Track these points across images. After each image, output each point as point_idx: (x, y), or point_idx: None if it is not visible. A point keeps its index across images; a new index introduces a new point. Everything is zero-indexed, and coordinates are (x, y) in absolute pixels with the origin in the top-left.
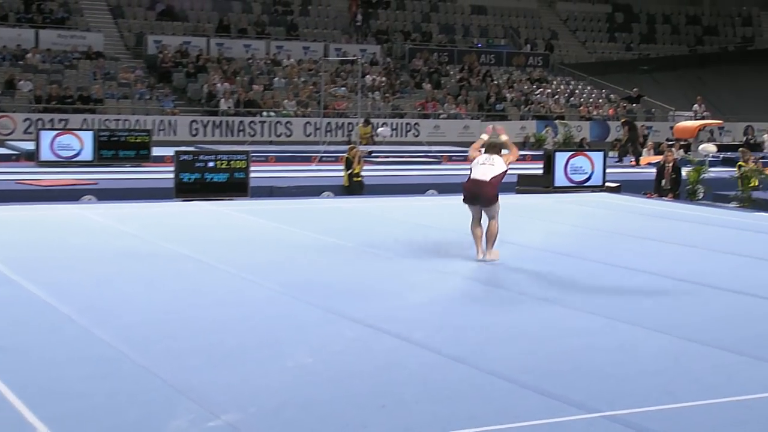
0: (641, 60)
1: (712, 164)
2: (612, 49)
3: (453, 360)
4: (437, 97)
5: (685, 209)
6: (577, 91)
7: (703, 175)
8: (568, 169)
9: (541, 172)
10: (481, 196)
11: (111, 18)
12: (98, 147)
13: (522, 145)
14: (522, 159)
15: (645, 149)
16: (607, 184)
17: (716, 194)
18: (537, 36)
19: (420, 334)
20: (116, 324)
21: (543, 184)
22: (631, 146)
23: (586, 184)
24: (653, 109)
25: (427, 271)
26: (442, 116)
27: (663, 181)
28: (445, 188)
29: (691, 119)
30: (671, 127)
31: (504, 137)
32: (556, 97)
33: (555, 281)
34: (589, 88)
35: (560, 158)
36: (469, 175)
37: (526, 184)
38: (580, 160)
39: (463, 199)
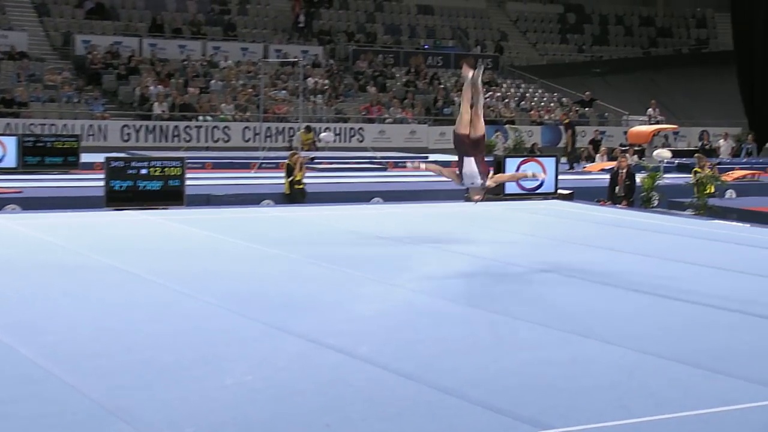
0: (594, 62)
1: (667, 170)
2: (564, 51)
3: (400, 375)
4: (382, 100)
5: (639, 217)
6: (527, 94)
7: (658, 181)
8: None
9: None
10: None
11: (36, 16)
12: (22, 153)
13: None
14: None
15: (598, 155)
16: (559, 191)
17: (671, 201)
18: (486, 37)
19: (366, 348)
20: (42, 341)
21: (494, 191)
22: (569, 150)
23: (537, 192)
24: (606, 114)
25: (374, 282)
26: (387, 121)
27: (617, 188)
28: (391, 196)
29: (645, 124)
30: (625, 132)
31: (423, 166)
32: (506, 100)
33: (506, 293)
34: (540, 91)
35: (511, 165)
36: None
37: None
38: (531, 167)
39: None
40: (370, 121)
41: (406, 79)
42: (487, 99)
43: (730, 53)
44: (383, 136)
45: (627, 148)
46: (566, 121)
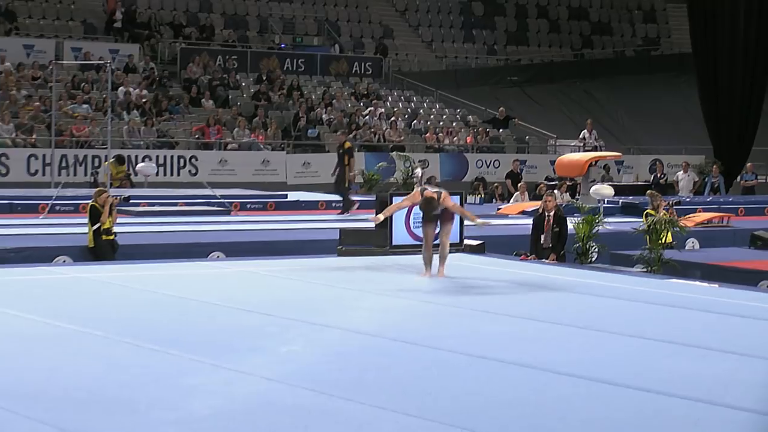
0: (509, 68)
1: (609, 213)
2: (469, 53)
3: None
4: (223, 118)
5: (572, 275)
6: (422, 111)
7: (597, 228)
8: (412, 221)
9: (373, 224)
10: (437, 206)
11: None
12: None
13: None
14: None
15: (517, 192)
16: (466, 241)
17: (615, 254)
18: (365, 33)
19: None
20: None
21: (376, 242)
22: (339, 182)
23: (436, 242)
24: (527, 137)
25: (212, 368)
26: (230, 147)
27: (542, 237)
28: (236, 249)
29: (578, 150)
30: (552, 162)
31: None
32: (393, 119)
33: (387, 380)
34: (438, 106)
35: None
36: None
37: (353, 243)
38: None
39: (423, 218)
40: (207, 146)
41: (256, 90)
42: (366, 117)
43: (688, 56)
44: (225, 168)
45: (555, 183)
46: (347, 144)
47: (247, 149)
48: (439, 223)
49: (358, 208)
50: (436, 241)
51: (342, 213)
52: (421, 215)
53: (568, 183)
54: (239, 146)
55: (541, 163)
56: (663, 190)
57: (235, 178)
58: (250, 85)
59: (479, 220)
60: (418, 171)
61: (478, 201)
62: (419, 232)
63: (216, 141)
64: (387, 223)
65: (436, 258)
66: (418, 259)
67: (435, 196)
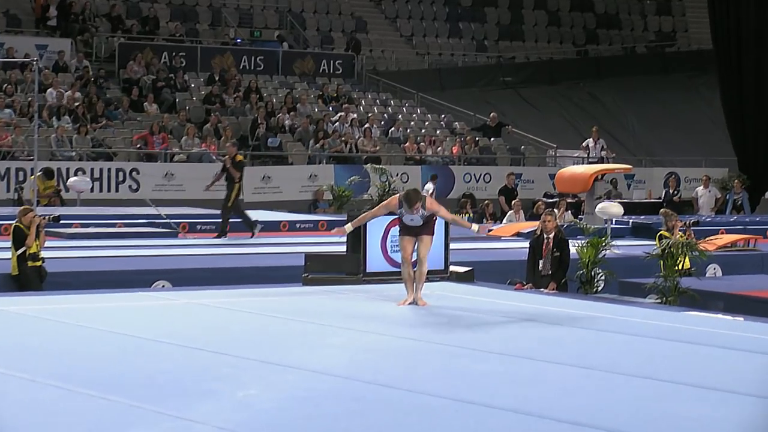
0: (502, 67)
1: (617, 234)
2: (456, 49)
3: None
4: (169, 125)
5: (574, 307)
6: (400, 116)
7: (604, 252)
8: (389, 244)
9: (344, 249)
10: (417, 204)
11: None
12: None
13: (313, 206)
14: (312, 229)
15: (511, 211)
16: (452, 268)
17: (624, 283)
18: (334, 26)
19: None
20: None
21: (348, 268)
22: (228, 200)
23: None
24: (523, 146)
25: (156, 418)
26: (178, 158)
27: (540, 263)
28: (183, 278)
29: (582, 162)
30: (552, 176)
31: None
32: (367, 126)
33: (360, 430)
34: (420, 111)
35: (375, 227)
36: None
37: (321, 270)
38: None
39: (399, 231)
40: (150, 158)
41: (207, 92)
42: (335, 124)
43: (708, 53)
44: (171, 183)
45: (555, 200)
46: (239, 158)
47: (197, 161)
48: (419, 231)
49: (261, 231)
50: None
51: (218, 236)
52: (398, 227)
53: (570, 200)
54: (188, 158)
55: (539, 177)
56: (678, 209)
57: (184, 195)
58: (200, 87)
59: (476, 226)
60: (429, 186)
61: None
62: (398, 257)
63: (161, 152)
64: (361, 248)
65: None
66: (396, 288)
67: (416, 193)
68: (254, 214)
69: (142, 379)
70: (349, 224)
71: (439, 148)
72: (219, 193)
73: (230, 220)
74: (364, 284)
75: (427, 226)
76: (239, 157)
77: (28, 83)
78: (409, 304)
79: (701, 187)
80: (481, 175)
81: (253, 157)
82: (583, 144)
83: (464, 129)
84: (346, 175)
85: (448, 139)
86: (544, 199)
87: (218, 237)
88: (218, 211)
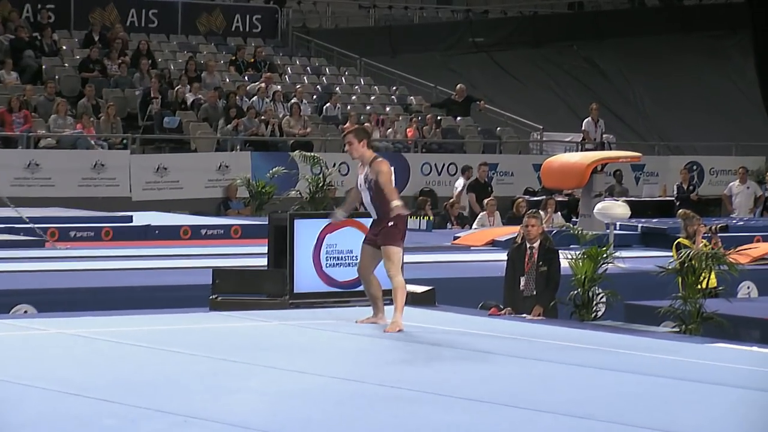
0: (471, 24)
1: (623, 243)
2: (411, 2)
3: None
4: (34, 100)
5: (566, 339)
6: (338, 89)
7: (605, 266)
8: (323, 256)
9: (265, 263)
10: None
11: None
12: None
13: (224, 205)
14: (223, 236)
15: (483, 212)
16: (408, 287)
17: (631, 306)
18: None
19: None
20: None
21: (270, 288)
22: None
23: (361, 287)
24: (498, 128)
25: None
26: (44, 143)
27: (522, 281)
28: (52, 301)
29: (576, 149)
30: (537, 166)
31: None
32: (295, 101)
33: None
34: (363, 82)
35: (305, 233)
36: None
37: (234, 290)
38: (347, 236)
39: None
40: (8, 143)
41: (84, 57)
42: (253, 98)
43: (739, 7)
44: (36, 176)
45: (542, 198)
46: None
47: (70, 147)
48: (378, 232)
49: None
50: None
51: None
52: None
53: (560, 198)
54: (58, 142)
55: (520, 168)
56: (699, 209)
57: (53, 192)
58: (74, 50)
59: (397, 201)
60: (460, 183)
61: (424, 226)
62: (336, 273)
63: (22, 135)
64: (287, 261)
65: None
66: (335, 314)
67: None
68: (145, 217)
69: None
70: (340, 210)
71: (390, 131)
72: (97, 189)
73: (116, 223)
74: (292, 309)
75: (389, 233)
76: None
77: None
78: (371, 322)
79: (736, 182)
80: (444, 165)
81: (144, 142)
82: (582, 126)
83: (422, 105)
84: (266, 166)
85: (401, 118)
86: (527, 197)
87: None
88: (96, 213)
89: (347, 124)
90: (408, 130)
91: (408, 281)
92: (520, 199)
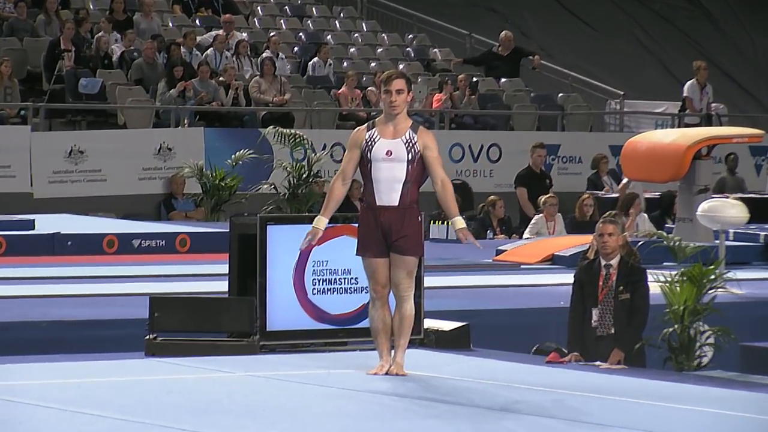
0: None
1: (738, 259)
2: None
3: None
4: None
5: (658, 398)
6: (329, 37)
7: (713, 293)
8: (309, 277)
9: (225, 288)
10: (392, 232)
11: None
12: None
13: (166, 205)
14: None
15: (539, 215)
16: (430, 323)
17: (750, 349)
18: None
19: None
20: None
21: (232, 326)
22: None
23: (363, 323)
24: (561, 94)
25: None
26: None
27: (594, 314)
28: None
29: (671, 125)
30: (616, 149)
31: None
32: (268, 55)
33: None
34: (366, 28)
35: (283, 244)
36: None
37: (180, 327)
38: (343, 249)
39: (357, 251)
40: None
41: None
42: (207, 53)
43: None
44: None
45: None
46: None
47: None
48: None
49: None
50: None
51: None
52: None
53: (648, 195)
54: None
55: (590, 152)
56: None
57: None
58: None
59: (460, 221)
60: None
61: (452, 234)
62: (327, 303)
63: None
64: (256, 287)
65: None
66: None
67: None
68: (53, 222)
69: None
70: (321, 217)
71: (417, 103)
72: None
73: (11, 231)
74: (264, 354)
75: (417, 239)
76: None
77: None
78: (386, 373)
79: None
80: (482, 147)
81: (50, 113)
82: (683, 90)
83: (450, 61)
84: (227, 149)
85: (420, 80)
86: (598, 192)
87: None
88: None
89: (343, 89)
90: (432, 96)
91: (431, 314)
92: (587, 196)
